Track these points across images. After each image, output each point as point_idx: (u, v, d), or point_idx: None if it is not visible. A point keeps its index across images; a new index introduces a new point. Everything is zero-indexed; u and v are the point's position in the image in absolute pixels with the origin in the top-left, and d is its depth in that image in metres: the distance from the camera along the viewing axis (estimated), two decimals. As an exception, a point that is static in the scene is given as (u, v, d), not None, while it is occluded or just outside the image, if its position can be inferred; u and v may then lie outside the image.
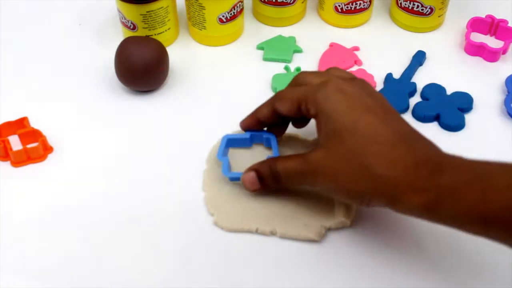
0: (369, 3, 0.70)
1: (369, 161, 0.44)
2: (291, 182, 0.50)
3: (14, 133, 0.60)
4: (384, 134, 0.45)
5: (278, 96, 0.52)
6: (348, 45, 0.69)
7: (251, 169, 0.52)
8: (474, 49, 0.68)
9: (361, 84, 0.49)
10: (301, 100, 0.49)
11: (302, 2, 0.71)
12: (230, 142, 0.56)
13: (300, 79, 0.52)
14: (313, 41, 0.70)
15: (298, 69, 0.66)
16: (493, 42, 0.69)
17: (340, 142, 0.45)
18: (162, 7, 0.65)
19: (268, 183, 0.51)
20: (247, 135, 0.55)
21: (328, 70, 0.52)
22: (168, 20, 0.67)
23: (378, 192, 0.44)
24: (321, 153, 0.47)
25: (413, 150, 0.44)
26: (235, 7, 0.67)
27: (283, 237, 0.51)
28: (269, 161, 0.51)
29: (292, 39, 0.70)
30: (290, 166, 0.49)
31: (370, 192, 0.44)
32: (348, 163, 0.45)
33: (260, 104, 0.54)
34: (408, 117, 0.62)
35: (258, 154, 0.56)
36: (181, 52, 0.68)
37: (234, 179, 0.54)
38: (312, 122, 0.60)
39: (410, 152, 0.44)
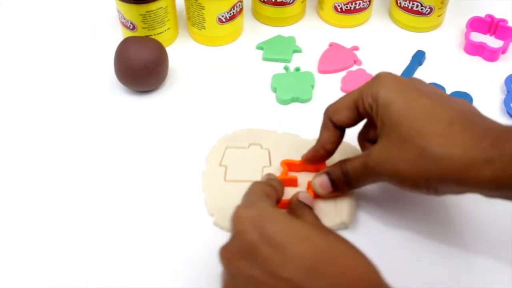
0: (368, 2, 0.70)
1: (426, 142, 0.42)
2: (360, 181, 0.49)
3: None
4: (439, 113, 0.43)
5: (331, 111, 0.50)
6: (347, 45, 0.69)
7: (322, 172, 0.50)
8: (474, 49, 0.68)
9: (413, 78, 0.48)
10: (357, 99, 0.48)
11: (302, 2, 0.71)
12: None
13: None
14: (313, 41, 0.70)
15: (297, 69, 0.66)
16: (492, 42, 0.69)
17: (395, 128, 0.44)
18: (161, 7, 0.65)
19: (340, 185, 0.49)
20: None
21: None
22: (168, 20, 0.67)
23: (442, 175, 0.42)
24: (380, 145, 0.46)
25: (470, 125, 0.43)
26: (235, 7, 0.67)
27: (283, 237, 0.51)
28: (340, 162, 0.49)
29: (291, 39, 0.70)
30: (356, 164, 0.48)
31: (434, 175, 0.42)
32: (405, 149, 0.43)
33: (318, 135, 0.51)
34: (407, 116, 0.62)
35: (256, 155, 0.56)
36: (181, 52, 0.68)
37: None
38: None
39: (468, 128, 0.42)
